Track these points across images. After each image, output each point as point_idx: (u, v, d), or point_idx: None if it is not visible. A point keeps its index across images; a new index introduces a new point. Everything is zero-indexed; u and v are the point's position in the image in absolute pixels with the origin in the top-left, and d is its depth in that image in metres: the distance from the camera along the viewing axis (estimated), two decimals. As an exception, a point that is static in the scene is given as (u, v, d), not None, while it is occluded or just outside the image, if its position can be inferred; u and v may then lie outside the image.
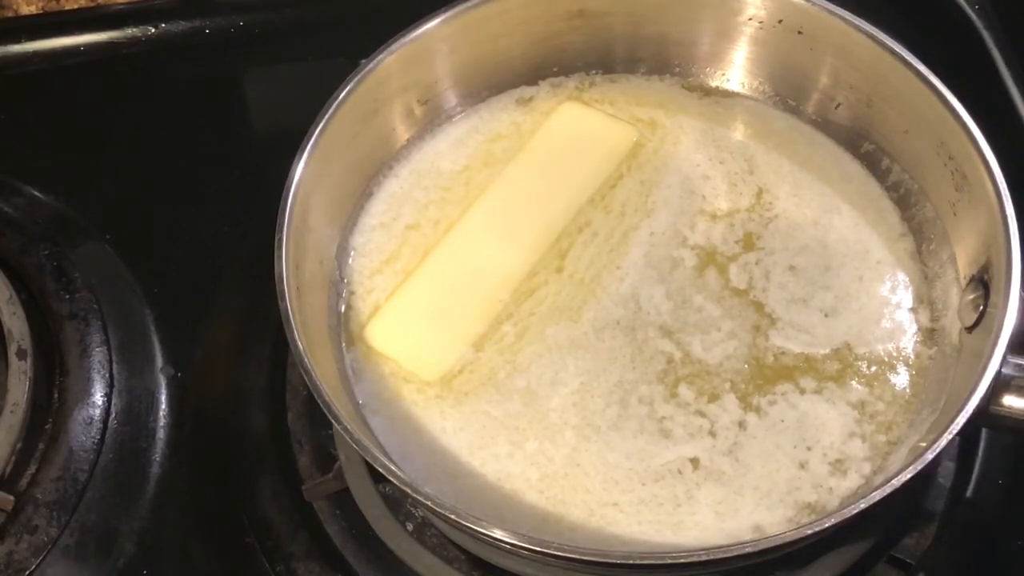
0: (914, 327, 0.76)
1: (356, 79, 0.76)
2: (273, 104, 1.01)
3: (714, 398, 0.74)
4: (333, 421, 0.64)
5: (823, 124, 0.84)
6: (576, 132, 0.85)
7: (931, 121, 0.74)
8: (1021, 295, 0.65)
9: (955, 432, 0.62)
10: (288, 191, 0.71)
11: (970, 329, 0.71)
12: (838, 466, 0.71)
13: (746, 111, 0.86)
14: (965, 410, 0.62)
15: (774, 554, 0.65)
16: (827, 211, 0.81)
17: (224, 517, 0.81)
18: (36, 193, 0.94)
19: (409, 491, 0.62)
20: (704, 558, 0.60)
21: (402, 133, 0.84)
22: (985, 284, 0.70)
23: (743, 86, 0.86)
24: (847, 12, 0.76)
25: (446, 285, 0.79)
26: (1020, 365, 0.65)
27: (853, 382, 0.74)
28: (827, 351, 0.75)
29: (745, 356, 0.75)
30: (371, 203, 0.83)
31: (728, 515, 0.70)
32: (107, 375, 0.84)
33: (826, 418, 0.72)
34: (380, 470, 0.63)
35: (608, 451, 0.72)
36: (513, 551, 0.66)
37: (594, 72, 0.88)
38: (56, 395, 0.83)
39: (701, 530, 0.69)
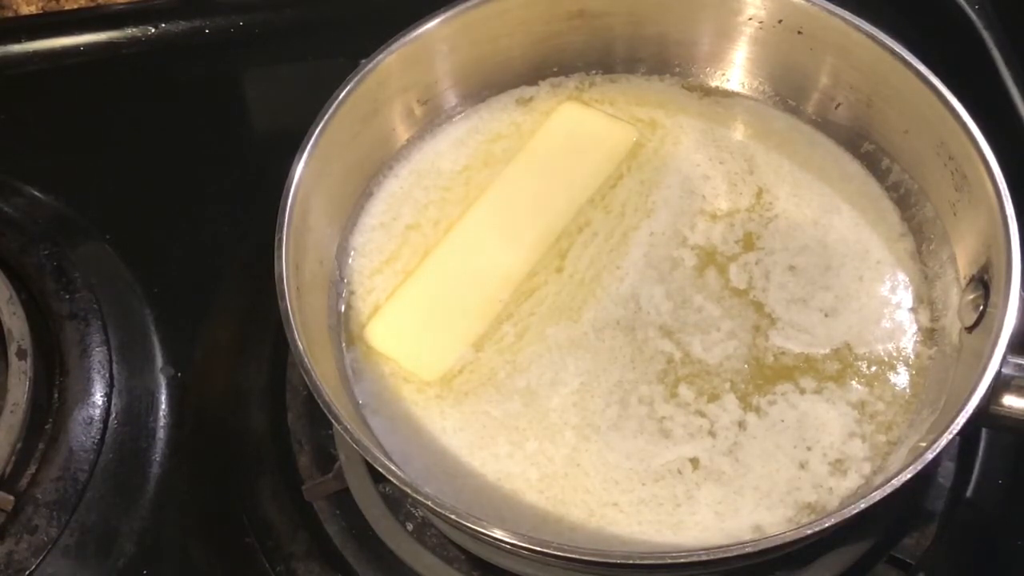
0: (914, 327, 0.76)
1: (356, 79, 0.76)
2: (273, 104, 1.01)
3: (714, 398, 0.74)
4: (333, 421, 0.64)
5: (823, 124, 0.84)
6: (576, 132, 0.85)
7: (931, 121, 0.74)
8: (1021, 295, 0.65)
9: (955, 432, 0.62)
10: (288, 191, 0.71)
11: (970, 329, 0.71)
12: (838, 466, 0.71)
13: (746, 111, 0.86)
14: (965, 410, 0.62)
15: (774, 554, 0.65)
16: (827, 211, 0.81)
17: (224, 517, 0.81)
18: (36, 193, 0.94)
19: (409, 491, 0.62)
20: (704, 558, 0.60)
21: (402, 133, 0.84)
22: (985, 284, 0.70)
23: (743, 86, 0.86)
24: (847, 12, 0.76)
25: (446, 285, 0.79)
26: (1020, 365, 0.65)
27: (853, 382, 0.74)
28: (827, 351, 0.75)
29: (745, 356, 0.75)
30: (371, 203, 0.83)
31: (728, 515, 0.70)
32: (107, 375, 0.84)
33: (826, 418, 0.72)
34: (380, 470, 0.63)
35: (608, 451, 0.72)
36: (513, 551, 0.66)
37: (594, 72, 0.88)
38: (56, 395, 0.83)
39: (701, 530, 0.69)
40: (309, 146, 0.73)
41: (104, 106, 1.00)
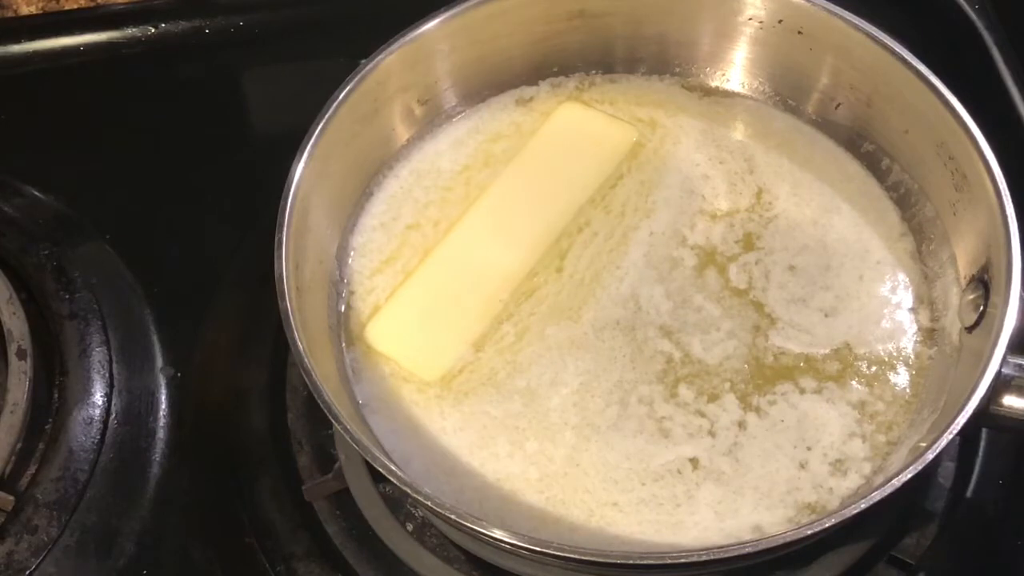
0: (914, 327, 0.76)
1: (356, 79, 0.76)
2: (273, 104, 1.01)
3: (714, 398, 0.74)
4: (333, 421, 0.64)
5: (823, 124, 0.84)
6: (576, 132, 0.85)
7: (931, 121, 0.74)
8: (1021, 295, 0.65)
9: (955, 432, 0.62)
10: (288, 191, 0.71)
11: (970, 329, 0.71)
12: (838, 466, 0.71)
13: (746, 111, 0.86)
14: (965, 410, 0.62)
15: (774, 554, 0.65)
16: (827, 211, 0.81)
17: (224, 517, 0.81)
18: (36, 193, 0.94)
19: (409, 491, 0.62)
20: (704, 558, 0.60)
21: (402, 133, 0.84)
22: (985, 284, 0.70)
23: (743, 86, 0.86)
24: (847, 12, 0.76)
25: (446, 285, 0.79)
26: (1020, 365, 0.65)
27: (853, 382, 0.74)
28: (827, 351, 0.75)
29: (745, 356, 0.75)
30: (371, 203, 0.83)
31: (728, 515, 0.70)
32: (107, 375, 0.84)
33: (826, 418, 0.72)
34: (380, 470, 0.63)
35: (608, 451, 0.72)
36: (513, 551, 0.66)
37: (594, 72, 0.88)
38: (56, 395, 0.83)
39: (701, 530, 0.69)
40: (309, 146, 0.73)
41: (104, 106, 1.00)
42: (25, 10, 1.04)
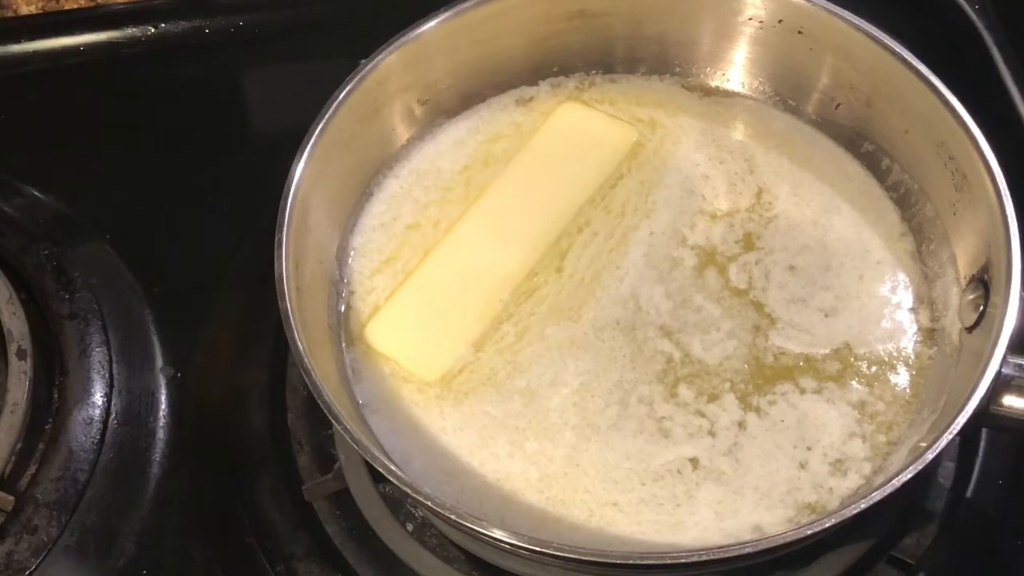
0: (914, 327, 0.76)
1: (356, 79, 0.76)
2: (273, 104, 1.01)
3: (714, 398, 0.74)
4: (333, 421, 0.64)
5: (823, 124, 0.84)
6: (576, 132, 0.85)
7: (931, 121, 0.74)
8: (1021, 295, 0.65)
9: (955, 432, 0.62)
10: (288, 191, 0.71)
11: (970, 329, 0.71)
12: (838, 466, 0.71)
13: (746, 111, 0.86)
14: (965, 410, 0.62)
15: (774, 554, 0.65)
16: (827, 211, 0.81)
17: (224, 517, 0.81)
18: (36, 193, 0.94)
19: (409, 491, 0.62)
20: (704, 558, 0.60)
21: (402, 133, 0.84)
22: (985, 284, 0.70)
23: (743, 86, 0.86)
24: (847, 12, 0.76)
25: (446, 285, 0.79)
26: (1020, 365, 0.65)
27: (853, 382, 0.74)
28: (827, 351, 0.75)
29: (745, 356, 0.75)
30: (371, 203, 0.83)
31: (728, 515, 0.70)
32: (107, 375, 0.84)
33: (826, 418, 0.72)
34: (380, 470, 0.63)
35: (608, 451, 0.72)
36: (513, 551, 0.66)
37: (594, 72, 0.88)
38: (56, 395, 0.83)
39: (701, 530, 0.69)
40: (309, 146, 0.73)
41: (104, 106, 1.00)
42: (25, 10, 1.04)
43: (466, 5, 0.79)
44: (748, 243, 0.80)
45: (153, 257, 0.91)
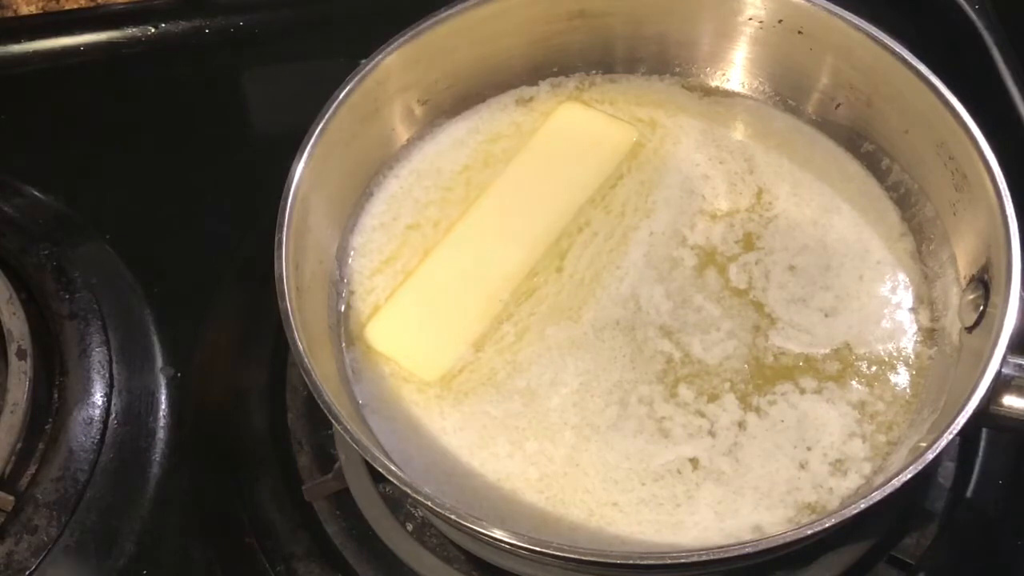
0: (914, 327, 0.76)
1: (356, 79, 0.76)
2: (273, 104, 1.01)
3: (714, 398, 0.74)
4: (333, 421, 0.64)
5: (823, 124, 0.84)
6: (576, 132, 0.85)
7: (931, 121, 0.74)
8: (1021, 295, 0.65)
9: (955, 432, 0.62)
10: (288, 191, 0.71)
11: (970, 329, 0.71)
12: (838, 466, 0.71)
13: (746, 111, 0.86)
14: (965, 410, 0.62)
15: (774, 554, 0.65)
16: (827, 211, 0.81)
17: (224, 517, 0.81)
18: (36, 193, 0.94)
19: (409, 491, 0.62)
20: (704, 558, 0.60)
21: (402, 133, 0.84)
22: (985, 284, 0.70)
23: (743, 86, 0.86)
24: (847, 12, 0.76)
25: (446, 285, 0.79)
26: (1020, 365, 0.65)
27: (853, 382, 0.74)
28: (827, 351, 0.75)
29: (745, 356, 0.75)
30: (371, 203, 0.83)
31: (728, 515, 0.70)
32: (107, 375, 0.84)
33: (826, 418, 0.72)
34: (380, 470, 0.63)
35: (608, 451, 0.72)
36: (513, 551, 0.66)
37: (594, 72, 0.88)
38: (56, 395, 0.83)
39: (701, 530, 0.69)
40: (309, 146, 0.73)
41: (104, 106, 1.00)
42: (25, 10, 1.04)
43: (466, 5, 0.79)
44: (748, 243, 0.80)
45: (153, 257, 0.91)
